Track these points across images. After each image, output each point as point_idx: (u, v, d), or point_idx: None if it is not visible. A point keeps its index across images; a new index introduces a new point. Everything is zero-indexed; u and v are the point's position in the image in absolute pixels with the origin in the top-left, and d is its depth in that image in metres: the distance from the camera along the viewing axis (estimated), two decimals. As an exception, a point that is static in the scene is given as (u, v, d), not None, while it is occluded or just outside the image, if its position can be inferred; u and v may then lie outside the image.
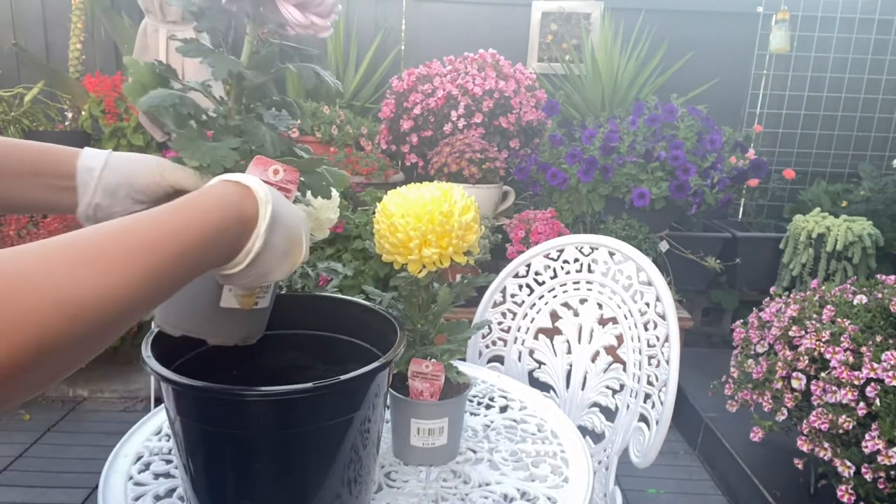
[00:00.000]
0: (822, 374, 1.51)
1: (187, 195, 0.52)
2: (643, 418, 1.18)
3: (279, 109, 0.73)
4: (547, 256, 1.42)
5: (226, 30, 0.73)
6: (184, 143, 0.64)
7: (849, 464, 1.46)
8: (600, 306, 1.36)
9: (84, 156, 0.65)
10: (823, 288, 1.80)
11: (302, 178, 0.65)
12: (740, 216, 3.31)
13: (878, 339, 1.49)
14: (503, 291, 1.43)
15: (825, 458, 1.50)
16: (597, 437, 1.28)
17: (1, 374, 0.33)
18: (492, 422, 1.04)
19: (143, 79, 0.66)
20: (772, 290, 1.95)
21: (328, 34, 0.69)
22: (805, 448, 1.54)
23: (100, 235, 0.43)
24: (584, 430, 1.18)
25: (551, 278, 1.42)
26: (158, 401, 2.27)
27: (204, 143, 0.65)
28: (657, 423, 1.14)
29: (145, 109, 0.64)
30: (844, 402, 1.44)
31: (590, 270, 1.39)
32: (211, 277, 0.58)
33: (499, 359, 1.42)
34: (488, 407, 1.09)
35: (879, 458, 1.37)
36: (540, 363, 1.40)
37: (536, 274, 1.43)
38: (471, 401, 1.11)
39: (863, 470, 1.43)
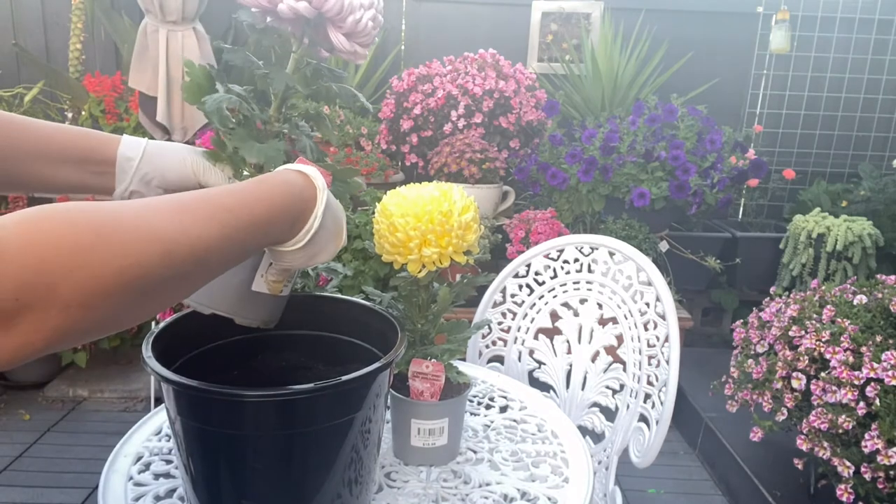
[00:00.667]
0: (822, 374, 1.51)
1: (259, 176, 0.59)
2: (643, 418, 1.18)
3: (309, 121, 0.81)
4: (547, 256, 1.42)
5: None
6: (241, 141, 0.72)
7: (848, 463, 1.46)
8: (600, 306, 1.36)
9: (124, 144, 0.69)
10: (823, 288, 1.80)
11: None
12: (740, 216, 3.31)
13: (878, 339, 1.49)
14: (503, 291, 1.43)
15: (825, 457, 1.50)
16: (597, 437, 1.28)
17: (106, 290, 0.39)
18: (492, 422, 1.04)
19: (199, 80, 0.72)
20: (772, 290, 1.95)
21: (363, 62, 0.79)
22: (805, 447, 1.54)
23: (188, 196, 0.50)
24: (584, 430, 1.18)
25: (551, 278, 1.42)
26: (158, 401, 2.27)
27: (255, 143, 0.72)
28: (657, 423, 1.14)
29: (208, 110, 0.70)
30: (844, 401, 1.44)
31: (590, 270, 1.39)
32: (247, 262, 0.66)
33: (499, 359, 1.42)
34: (488, 407, 1.09)
35: (879, 458, 1.37)
36: (540, 363, 1.40)
37: (536, 274, 1.43)
38: (471, 401, 1.11)
39: (862, 470, 1.43)
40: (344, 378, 0.64)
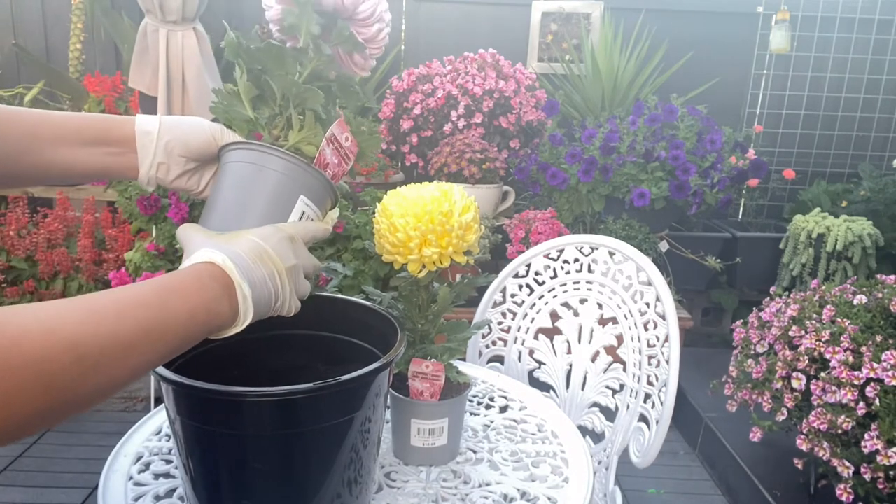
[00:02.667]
0: (822, 374, 1.51)
1: (172, 280, 0.55)
2: (643, 418, 1.18)
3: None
4: (547, 256, 1.42)
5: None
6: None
7: (848, 464, 1.46)
8: (600, 306, 1.36)
9: (139, 121, 0.69)
10: (823, 288, 1.80)
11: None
12: (740, 216, 3.31)
13: (878, 339, 1.49)
14: (503, 291, 1.43)
15: (824, 458, 1.50)
16: (597, 437, 1.28)
17: (20, 396, 0.39)
18: (492, 422, 1.04)
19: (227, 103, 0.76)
20: (772, 290, 1.95)
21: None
22: (804, 448, 1.54)
23: (97, 297, 0.49)
24: (584, 430, 1.18)
25: (551, 278, 1.42)
26: (158, 401, 2.27)
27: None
28: (657, 423, 1.14)
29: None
30: (844, 402, 1.44)
31: (590, 270, 1.39)
32: (287, 202, 0.68)
33: (499, 359, 1.42)
34: (488, 407, 1.09)
35: (879, 458, 1.37)
36: (540, 363, 1.40)
37: (536, 274, 1.43)
38: (471, 401, 1.11)
39: (862, 470, 1.43)
40: (344, 378, 0.64)
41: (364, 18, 0.74)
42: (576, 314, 1.39)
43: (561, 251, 1.42)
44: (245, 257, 0.60)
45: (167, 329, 0.51)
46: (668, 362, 1.17)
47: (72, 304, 0.46)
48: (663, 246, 2.54)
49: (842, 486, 1.47)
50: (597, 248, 1.38)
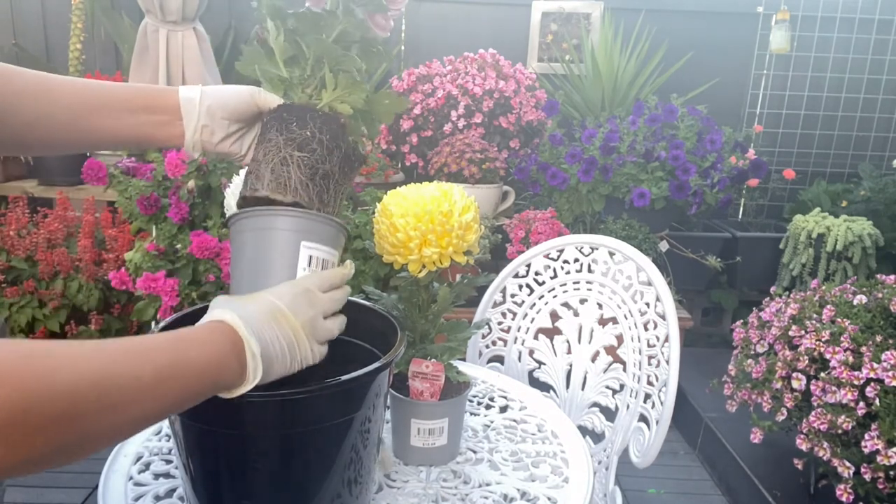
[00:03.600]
0: (822, 374, 1.51)
1: (187, 333, 0.57)
2: (643, 418, 1.18)
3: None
4: (547, 256, 1.42)
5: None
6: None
7: (848, 464, 1.46)
8: (600, 306, 1.36)
9: (182, 90, 0.73)
10: (823, 288, 1.80)
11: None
12: (740, 216, 3.31)
13: (878, 339, 1.49)
14: (503, 291, 1.43)
15: (824, 458, 1.50)
16: (597, 437, 1.28)
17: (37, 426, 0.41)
18: (492, 422, 1.04)
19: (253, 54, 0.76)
20: (772, 290, 1.95)
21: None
22: (804, 448, 1.54)
23: (122, 343, 0.51)
24: (584, 430, 1.18)
25: (551, 278, 1.42)
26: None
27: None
28: (657, 423, 1.14)
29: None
30: (844, 402, 1.44)
31: (590, 270, 1.39)
32: (287, 270, 0.69)
33: (499, 359, 1.42)
34: (488, 407, 1.09)
35: (879, 459, 1.37)
36: (540, 363, 1.40)
37: (536, 274, 1.43)
38: (471, 401, 1.11)
39: (862, 470, 1.43)
40: (344, 378, 0.64)
41: None
42: (576, 314, 1.39)
43: (561, 251, 1.42)
44: (256, 316, 0.60)
45: (182, 376, 0.52)
46: (668, 362, 1.17)
47: (97, 345, 0.48)
48: (663, 246, 2.54)
49: (842, 486, 1.47)
50: (597, 248, 1.38)
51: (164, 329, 0.72)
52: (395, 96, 0.78)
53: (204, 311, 0.74)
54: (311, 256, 0.69)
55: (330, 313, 0.67)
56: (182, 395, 0.53)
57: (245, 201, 0.71)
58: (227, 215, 1.03)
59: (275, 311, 0.61)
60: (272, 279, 0.68)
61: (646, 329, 1.26)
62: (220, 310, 0.60)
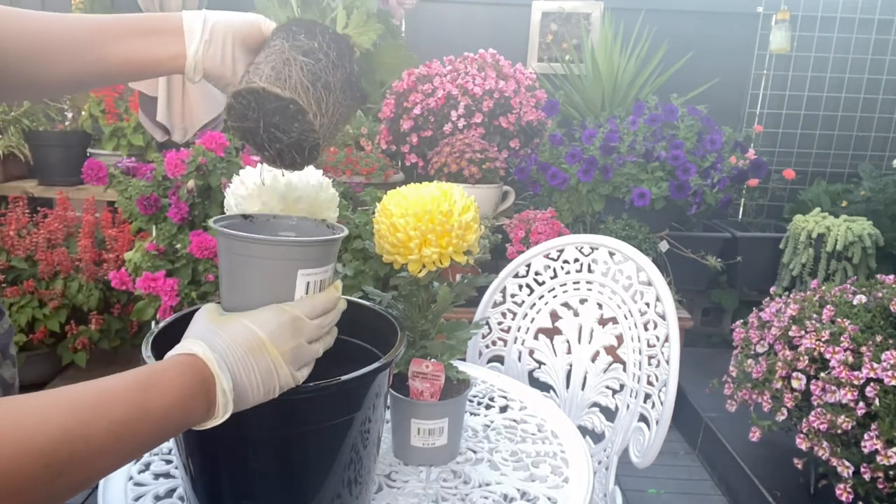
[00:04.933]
0: (822, 374, 1.51)
1: (154, 372, 0.53)
2: (643, 418, 1.18)
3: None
4: (547, 256, 1.42)
5: None
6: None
7: (847, 464, 1.46)
8: (600, 306, 1.36)
9: (186, 11, 0.71)
10: (823, 288, 1.80)
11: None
12: (740, 216, 3.31)
13: (878, 339, 1.49)
14: (503, 291, 1.43)
15: (824, 458, 1.50)
16: (597, 437, 1.28)
17: None
18: (492, 422, 1.04)
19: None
20: (772, 290, 1.95)
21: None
22: (804, 446, 1.54)
23: (76, 391, 0.48)
24: (584, 430, 1.18)
25: (551, 278, 1.42)
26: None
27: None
28: (657, 423, 1.14)
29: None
30: (844, 402, 1.44)
31: (590, 270, 1.39)
32: (285, 279, 0.65)
33: (499, 359, 1.42)
34: (488, 407, 1.09)
35: (878, 458, 1.37)
36: (540, 363, 1.40)
37: (536, 274, 1.43)
38: (471, 401, 1.11)
39: (862, 470, 1.43)
40: (344, 378, 0.64)
41: None
42: (576, 314, 1.39)
43: (561, 251, 1.42)
44: (231, 349, 0.58)
45: (140, 430, 0.50)
46: (668, 362, 1.17)
47: (47, 406, 0.45)
48: (663, 246, 2.54)
49: (842, 485, 1.47)
50: (597, 248, 1.38)
51: (165, 329, 0.72)
52: (405, 50, 0.72)
53: None
54: (308, 283, 0.66)
55: (316, 338, 0.65)
56: (140, 446, 0.51)
57: (237, 98, 0.65)
58: (227, 215, 1.03)
59: (253, 343, 0.59)
60: (258, 301, 0.64)
61: (646, 329, 1.26)
62: (193, 342, 0.57)
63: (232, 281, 0.66)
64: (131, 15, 0.70)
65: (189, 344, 0.57)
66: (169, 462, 0.88)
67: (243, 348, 0.58)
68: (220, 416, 0.56)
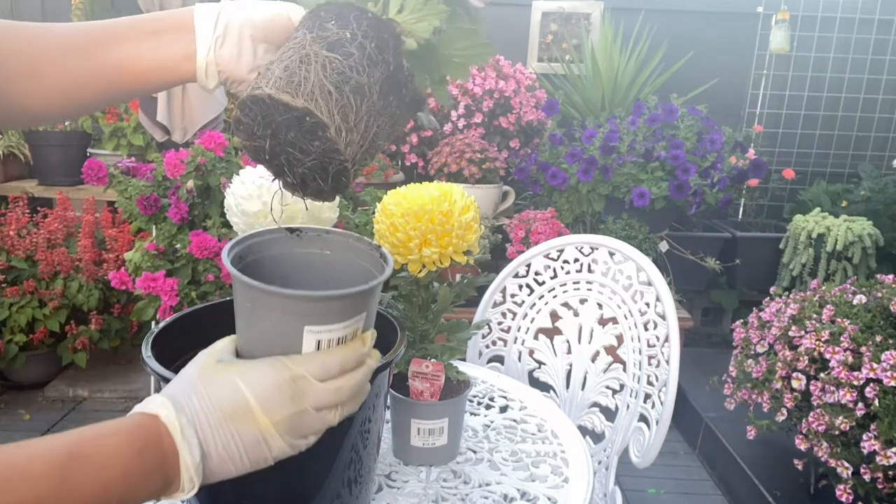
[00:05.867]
0: (822, 375, 1.51)
1: (93, 440, 0.44)
2: (643, 418, 1.18)
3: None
4: (547, 256, 1.42)
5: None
6: None
7: (847, 464, 1.46)
8: (600, 306, 1.36)
9: (200, 4, 0.59)
10: (823, 288, 1.80)
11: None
12: (740, 216, 3.31)
13: (878, 339, 1.49)
14: (503, 291, 1.43)
15: (823, 458, 1.50)
16: (597, 437, 1.28)
17: None
18: (492, 422, 1.04)
19: None
20: (772, 290, 1.95)
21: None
22: (803, 446, 1.54)
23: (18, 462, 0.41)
24: (584, 430, 1.18)
25: (551, 278, 1.42)
26: (158, 401, 2.26)
27: None
28: (657, 423, 1.14)
29: None
30: (843, 402, 1.44)
31: (590, 270, 1.39)
32: (290, 334, 0.52)
33: (499, 359, 1.42)
34: (488, 407, 1.09)
35: (878, 459, 1.37)
36: (540, 363, 1.40)
37: (536, 274, 1.43)
38: (471, 401, 1.11)
39: (861, 470, 1.43)
40: (344, 378, 0.64)
41: None
42: (576, 314, 1.39)
43: (561, 251, 1.42)
44: (207, 411, 0.48)
45: None
46: (668, 362, 1.17)
47: None
48: (663, 246, 2.54)
49: (841, 486, 1.47)
50: (597, 248, 1.38)
51: (165, 329, 0.72)
52: (480, 37, 0.56)
53: (204, 311, 0.74)
54: (319, 341, 0.53)
55: (329, 405, 0.52)
56: None
57: (242, 108, 0.52)
58: (227, 215, 1.03)
59: (237, 406, 0.48)
60: (264, 350, 0.53)
61: (646, 329, 1.26)
62: (160, 399, 0.48)
63: (240, 320, 0.55)
64: (136, 16, 0.59)
65: (154, 402, 0.47)
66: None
67: (222, 413, 0.48)
68: (187, 492, 0.47)
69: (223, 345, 0.55)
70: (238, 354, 0.55)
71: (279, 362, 0.51)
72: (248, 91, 0.52)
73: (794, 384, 1.57)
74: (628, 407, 1.24)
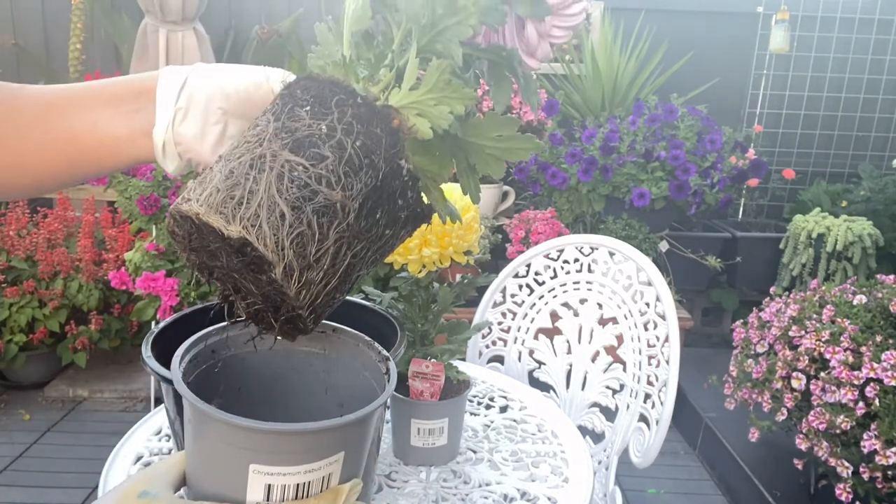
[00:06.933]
0: (822, 374, 1.51)
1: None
2: (643, 418, 1.18)
3: None
4: (547, 256, 1.42)
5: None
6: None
7: (847, 464, 1.46)
8: (600, 306, 1.36)
9: (168, 68, 0.50)
10: (823, 288, 1.80)
11: None
12: (740, 216, 3.31)
13: (878, 339, 1.49)
14: (503, 291, 1.43)
15: (823, 458, 1.50)
16: (597, 437, 1.28)
17: None
18: (492, 422, 1.04)
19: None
20: (772, 290, 1.95)
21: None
22: (803, 446, 1.54)
23: None
24: (584, 430, 1.18)
25: (551, 278, 1.42)
26: (158, 401, 2.27)
27: None
28: (657, 423, 1.14)
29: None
30: (844, 402, 1.44)
31: (590, 270, 1.39)
32: (233, 470, 0.40)
33: (499, 359, 1.42)
34: (488, 407, 1.09)
35: (877, 458, 1.37)
36: (540, 363, 1.40)
37: (536, 274, 1.43)
38: (471, 401, 1.11)
39: (861, 470, 1.43)
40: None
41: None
42: (576, 314, 1.39)
43: (561, 251, 1.42)
44: None
45: None
46: (668, 362, 1.17)
47: None
48: (663, 246, 2.54)
49: (841, 485, 1.47)
50: (597, 248, 1.38)
51: (165, 329, 0.72)
52: (523, 132, 0.45)
53: (204, 311, 0.74)
54: (269, 486, 0.39)
55: None
56: None
57: (174, 218, 0.40)
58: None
59: None
60: (209, 494, 0.41)
61: (646, 329, 1.26)
62: None
63: (186, 436, 0.43)
64: (107, 80, 0.51)
65: None
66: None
67: None
68: None
69: (165, 468, 0.42)
70: (185, 480, 0.43)
71: None
72: (176, 203, 0.40)
73: (795, 384, 1.57)
74: (628, 407, 1.24)
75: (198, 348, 0.46)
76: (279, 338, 0.48)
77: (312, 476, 0.40)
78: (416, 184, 0.43)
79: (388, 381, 0.46)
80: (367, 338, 0.50)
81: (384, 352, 0.49)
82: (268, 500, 0.39)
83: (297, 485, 0.40)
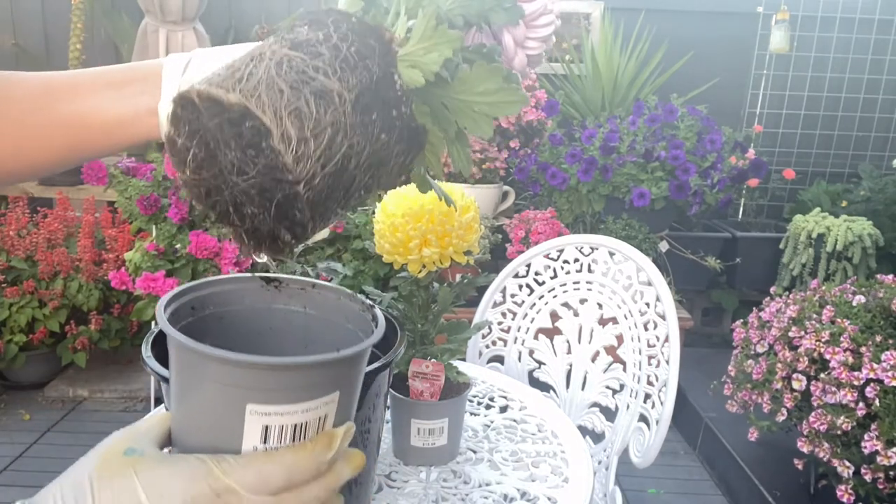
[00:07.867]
0: (822, 375, 1.51)
1: None
2: (643, 418, 1.18)
3: None
4: (547, 256, 1.42)
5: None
6: None
7: (848, 464, 1.46)
8: (600, 306, 1.36)
9: (172, 54, 0.53)
10: (823, 288, 1.80)
11: None
12: (740, 216, 3.31)
13: (878, 339, 1.49)
14: (503, 291, 1.43)
15: (824, 458, 1.50)
16: (597, 437, 1.28)
17: None
18: (492, 422, 1.04)
19: None
20: (772, 290, 1.95)
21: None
22: (805, 449, 1.54)
23: None
24: (584, 430, 1.18)
25: (551, 278, 1.42)
26: (158, 401, 2.27)
27: None
28: (657, 423, 1.14)
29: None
30: (844, 402, 1.44)
31: (590, 270, 1.39)
32: (229, 415, 0.40)
33: (499, 359, 1.42)
34: (488, 407, 1.09)
35: (879, 459, 1.37)
36: (540, 363, 1.40)
37: (536, 274, 1.43)
38: (471, 401, 1.11)
39: (862, 470, 1.43)
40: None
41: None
42: (576, 314, 1.39)
43: (561, 251, 1.42)
44: None
45: None
46: (668, 362, 1.17)
47: None
48: (663, 246, 2.54)
49: (842, 486, 1.47)
50: (597, 248, 1.38)
51: (162, 332, 0.72)
52: (509, 82, 0.44)
53: None
54: (267, 427, 0.39)
55: None
56: None
57: (173, 119, 0.40)
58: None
59: None
60: (199, 445, 0.41)
61: (646, 329, 1.26)
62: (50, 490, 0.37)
63: (173, 390, 0.43)
64: (106, 67, 0.53)
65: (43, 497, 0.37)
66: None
67: None
68: None
69: (147, 426, 0.41)
70: (171, 439, 0.42)
71: (203, 466, 0.37)
72: (177, 91, 0.41)
73: (795, 385, 1.57)
74: (628, 407, 1.24)
75: (178, 302, 0.46)
76: (265, 284, 0.50)
77: (309, 416, 0.40)
78: (409, 101, 0.43)
79: (377, 326, 0.47)
80: (348, 290, 0.51)
81: (367, 301, 0.50)
82: (265, 443, 0.39)
83: (295, 426, 0.40)
